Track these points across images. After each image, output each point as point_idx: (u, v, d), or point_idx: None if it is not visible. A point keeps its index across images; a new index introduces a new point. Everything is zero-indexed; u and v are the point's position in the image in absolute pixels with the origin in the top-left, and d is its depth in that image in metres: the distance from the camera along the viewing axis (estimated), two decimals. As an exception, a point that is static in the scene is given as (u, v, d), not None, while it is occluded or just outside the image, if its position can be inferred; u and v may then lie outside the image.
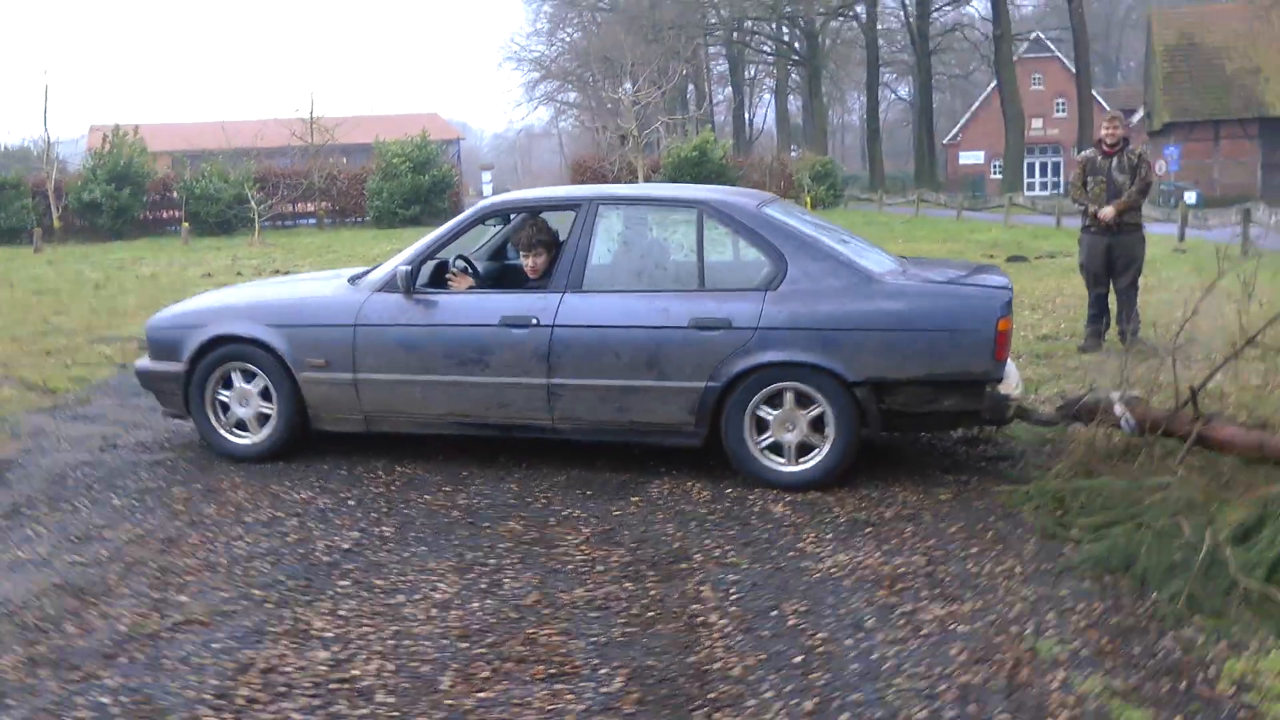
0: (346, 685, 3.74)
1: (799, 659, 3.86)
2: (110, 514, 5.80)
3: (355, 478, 6.28)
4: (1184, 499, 4.76)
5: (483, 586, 4.58)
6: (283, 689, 3.73)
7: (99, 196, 34.30)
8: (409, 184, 35.73)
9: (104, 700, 3.71)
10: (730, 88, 73.40)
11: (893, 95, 77.89)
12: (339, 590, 4.60)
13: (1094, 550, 4.70)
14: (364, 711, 3.55)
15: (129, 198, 34.95)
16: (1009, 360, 6.28)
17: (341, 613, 4.36)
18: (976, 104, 70.76)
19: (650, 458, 6.40)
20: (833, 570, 4.69)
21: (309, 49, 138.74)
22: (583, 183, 40.47)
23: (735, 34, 64.99)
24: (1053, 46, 66.93)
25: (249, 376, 6.73)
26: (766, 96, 78.11)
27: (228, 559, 5.03)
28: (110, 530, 5.52)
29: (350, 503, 5.83)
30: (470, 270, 7.05)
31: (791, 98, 72.30)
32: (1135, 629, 4.04)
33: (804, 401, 5.93)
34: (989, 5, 53.69)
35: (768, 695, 3.60)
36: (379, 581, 4.68)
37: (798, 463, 5.97)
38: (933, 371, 5.81)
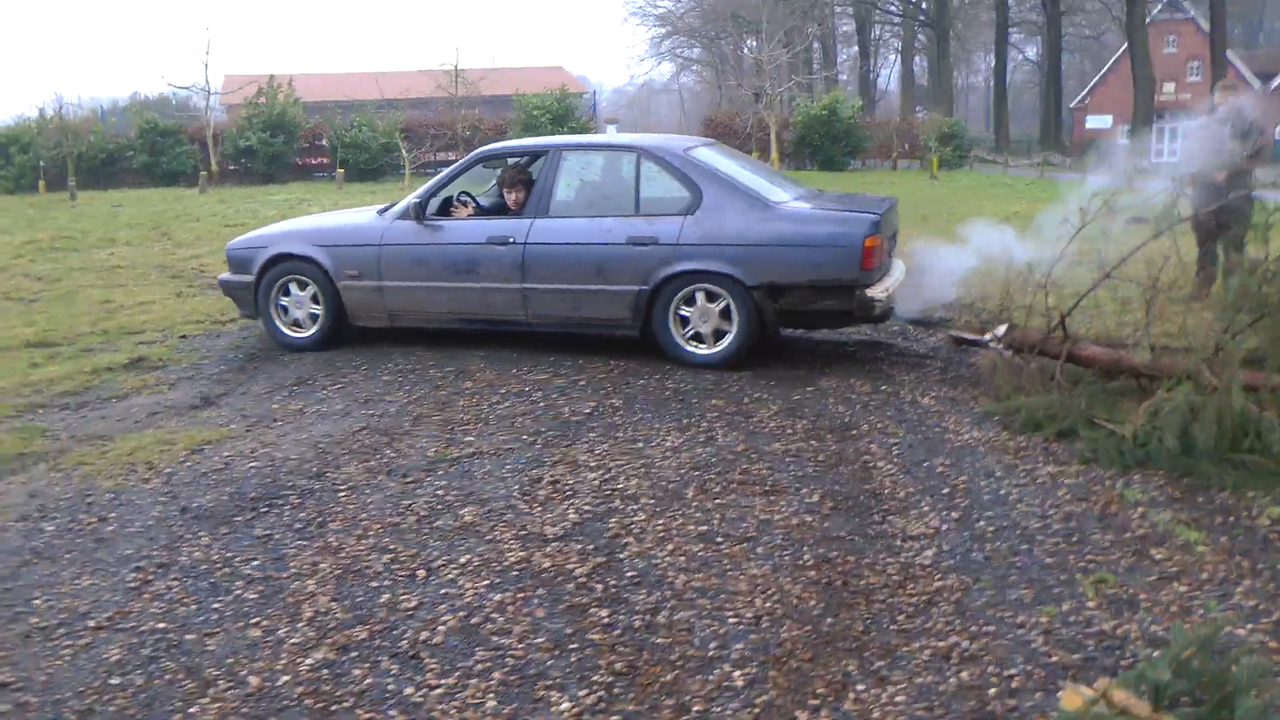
0: (616, 492, 5.20)
1: (946, 491, 5.20)
2: (383, 385, 7.41)
3: (580, 366, 7.77)
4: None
5: (701, 440, 6.00)
6: (570, 492, 5.20)
7: (254, 143, 36.39)
8: (549, 135, 37.17)
9: (439, 492, 5.25)
10: (855, 48, 73.42)
11: (1020, 56, 77.17)
12: (590, 438, 6.07)
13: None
14: (634, 506, 5.00)
15: (282, 145, 36.98)
16: (897, 267, 8.25)
17: (597, 451, 5.82)
18: (1106, 67, 69.55)
19: (818, 360, 7.84)
20: (970, 441, 5.99)
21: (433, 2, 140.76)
22: (714, 138, 41.68)
23: (864, -7, 65.09)
24: (1188, 7, 65.43)
25: (302, 285, 8.66)
26: (892, 57, 78.11)
27: (494, 416, 6.55)
28: (389, 396, 7.12)
29: (581, 383, 7.31)
30: (473, 203, 8.85)
31: (917, 58, 72.12)
32: (1202, 487, 5.27)
33: (714, 300, 7.64)
34: (1123, -35, 53.04)
35: (925, 509, 4.96)
36: (619, 434, 6.14)
37: (710, 347, 7.73)
38: (813, 278, 7.44)
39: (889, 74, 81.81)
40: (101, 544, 4.80)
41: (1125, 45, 56.63)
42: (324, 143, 38.39)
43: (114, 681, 3.63)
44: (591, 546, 4.55)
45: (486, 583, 4.22)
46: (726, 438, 6.02)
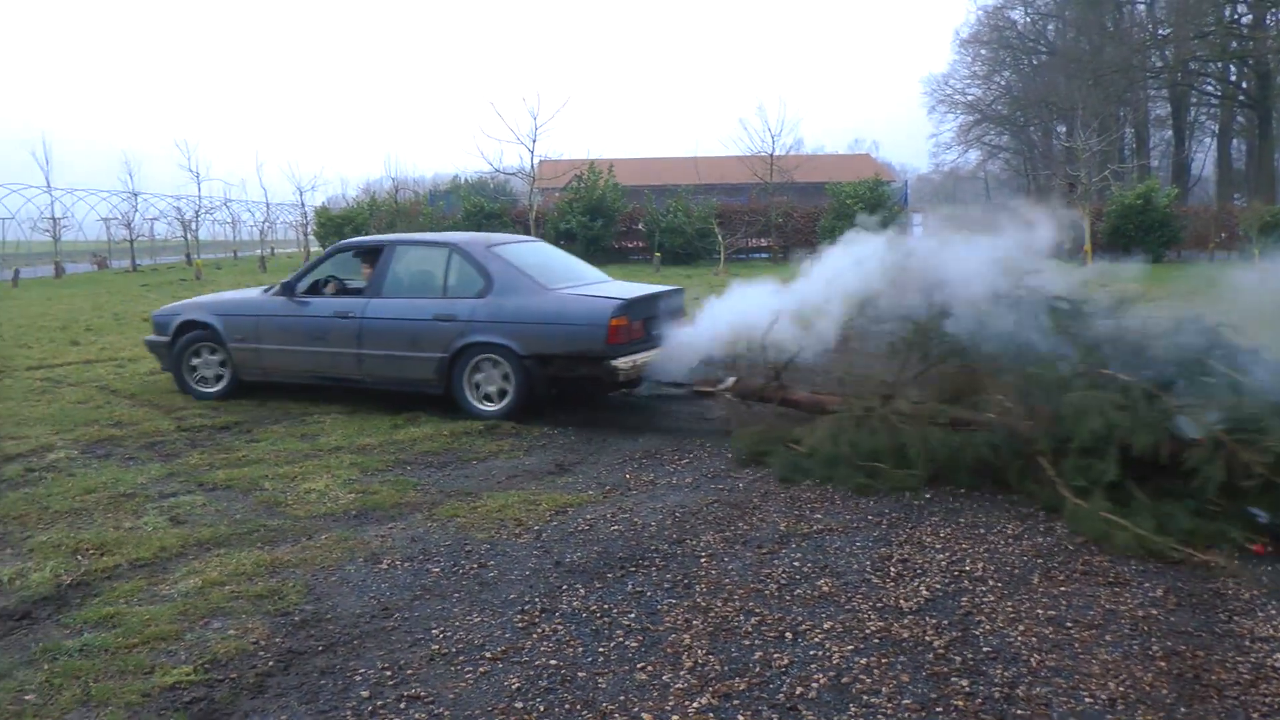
0: (964, 573, 5.48)
1: (1296, 594, 5.24)
2: (728, 462, 7.93)
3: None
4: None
5: (1041, 529, 6.19)
6: (919, 570, 5.51)
7: (574, 226, 38.11)
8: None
9: (795, 563, 5.65)
10: (1169, 132, 70.53)
11: (1349, 137, 72.33)
12: (933, 521, 6.37)
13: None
14: (983, 587, 5.28)
15: (601, 228, 38.54)
16: (657, 343, 9.58)
17: (941, 534, 6.11)
18: None
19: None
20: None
21: (737, 87, 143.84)
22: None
23: (1180, 76, 62.57)
24: None
25: (211, 348, 10.87)
26: (1207, 140, 74.68)
27: (838, 496, 6.95)
28: (734, 473, 7.59)
29: (917, 468, 7.56)
30: (339, 283, 10.90)
31: (1234, 141, 68.59)
32: None
33: (497, 366, 9.59)
34: None
35: (1272, 612, 5.01)
36: (961, 519, 6.40)
37: (494, 404, 9.64)
38: (569, 350, 9.33)
39: (1204, 158, 78.23)
40: (485, 587, 5.43)
41: None
42: (640, 226, 39.80)
43: (518, 705, 4.17)
44: (945, 621, 4.85)
45: (851, 647, 4.59)
46: (1065, 528, 6.19)
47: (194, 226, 44.98)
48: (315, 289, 10.76)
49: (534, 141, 37.95)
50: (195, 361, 10.94)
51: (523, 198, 41.71)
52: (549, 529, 6.35)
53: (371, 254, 10.79)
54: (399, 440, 8.84)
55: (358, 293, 10.56)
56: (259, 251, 48.14)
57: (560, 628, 4.90)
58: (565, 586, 5.41)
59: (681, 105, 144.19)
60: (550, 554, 5.90)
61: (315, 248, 45.61)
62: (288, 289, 10.62)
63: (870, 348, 8.29)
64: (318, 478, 7.65)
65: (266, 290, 10.99)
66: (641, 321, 9.62)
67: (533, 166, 37.66)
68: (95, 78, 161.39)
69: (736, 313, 9.22)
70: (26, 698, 4.34)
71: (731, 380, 8.94)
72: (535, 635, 4.82)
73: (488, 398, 9.69)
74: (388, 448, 8.60)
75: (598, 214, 38.52)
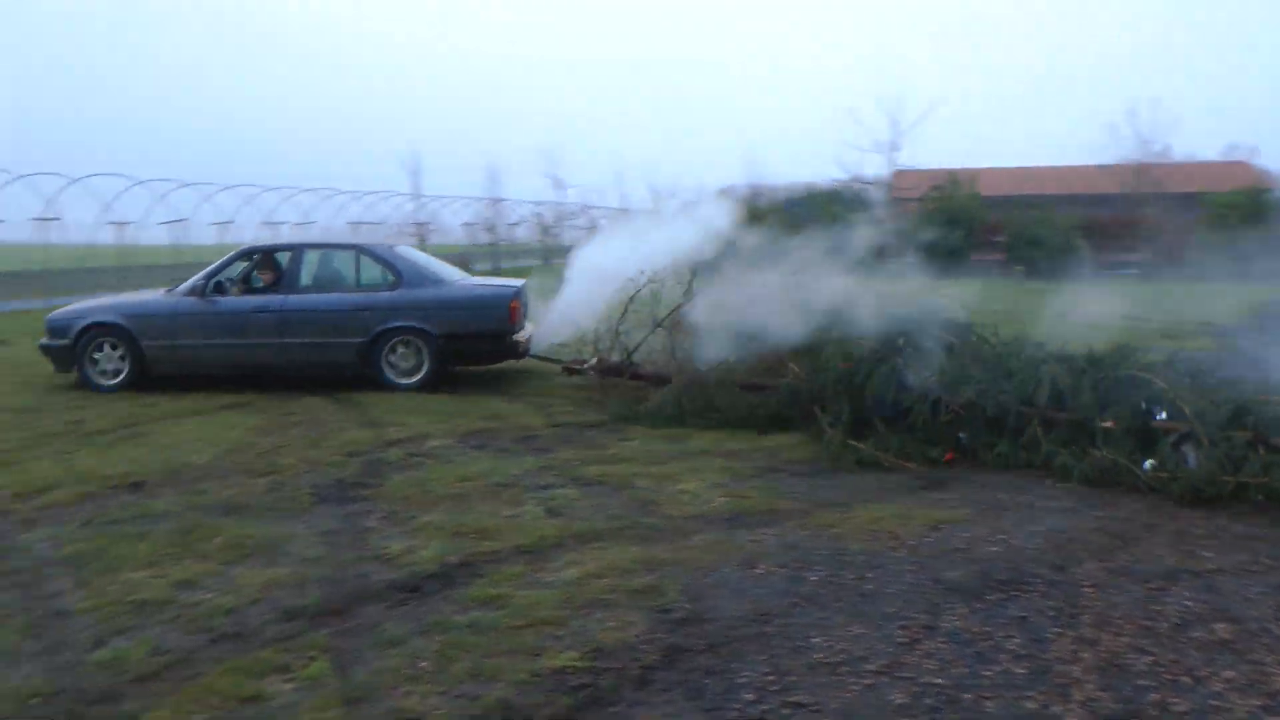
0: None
1: None
2: (1105, 489, 7.65)
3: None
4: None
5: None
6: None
7: (932, 237, 37.40)
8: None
9: (1186, 602, 5.46)
10: None
11: None
12: None
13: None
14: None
15: (959, 240, 37.71)
16: (527, 325, 12.65)
17: None
18: None
19: None
20: None
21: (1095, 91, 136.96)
22: None
23: None
24: None
25: (113, 346, 12.03)
26: None
27: (1229, 535, 6.61)
28: (1114, 500, 7.40)
29: None
30: (245, 284, 12.37)
31: None
32: None
33: (414, 346, 11.84)
34: None
35: None
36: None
37: (410, 378, 11.84)
38: (477, 329, 11.96)
39: None
40: (864, 599, 5.51)
41: None
42: (1001, 239, 38.69)
43: (902, 721, 4.21)
44: (1365, 683, 4.56)
45: (1258, 703, 4.38)
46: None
47: (555, 232, 46.90)
48: (220, 289, 12.15)
49: (894, 150, 37.69)
50: (97, 356, 12.12)
51: (878, 206, 41.36)
52: (925, 544, 6.36)
53: (269, 257, 12.55)
54: (766, 446, 9.02)
55: (270, 290, 12.24)
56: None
57: (943, 646, 4.92)
58: (945, 605, 5.42)
59: (1046, 111, 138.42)
60: (927, 570, 5.91)
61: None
62: (202, 289, 12.06)
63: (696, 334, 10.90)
64: (688, 479, 7.89)
65: (169, 291, 12.39)
66: (523, 306, 12.29)
67: (890, 175, 37.37)
68: (462, 94, 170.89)
69: (587, 301, 12.24)
70: (421, 664, 4.75)
71: (595, 360, 11.64)
72: (918, 652, 4.86)
73: (405, 373, 11.88)
74: (755, 454, 8.78)
75: (957, 225, 37.74)
